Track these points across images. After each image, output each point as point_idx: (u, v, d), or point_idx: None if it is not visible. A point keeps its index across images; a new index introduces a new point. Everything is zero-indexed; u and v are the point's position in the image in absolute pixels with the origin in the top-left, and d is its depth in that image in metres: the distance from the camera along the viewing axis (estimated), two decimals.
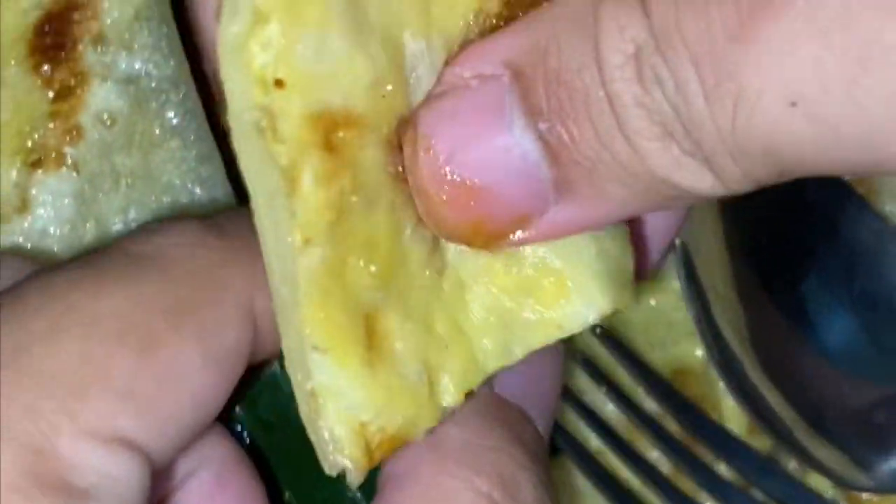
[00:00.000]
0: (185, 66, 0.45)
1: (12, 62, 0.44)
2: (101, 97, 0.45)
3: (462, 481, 0.35)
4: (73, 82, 0.44)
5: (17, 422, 0.33)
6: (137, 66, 0.44)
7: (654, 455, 0.51)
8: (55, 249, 0.44)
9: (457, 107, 0.33)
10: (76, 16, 0.44)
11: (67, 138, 0.44)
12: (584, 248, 0.35)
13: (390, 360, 0.35)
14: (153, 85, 0.45)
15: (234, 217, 0.38)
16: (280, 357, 0.37)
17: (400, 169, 0.34)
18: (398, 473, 0.37)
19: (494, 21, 0.34)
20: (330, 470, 0.35)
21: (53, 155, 0.44)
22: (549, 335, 0.36)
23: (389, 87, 0.34)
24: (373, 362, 0.34)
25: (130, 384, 0.34)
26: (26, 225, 0.44)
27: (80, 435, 0.34)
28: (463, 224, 0.34)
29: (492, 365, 0.36)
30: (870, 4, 0.28)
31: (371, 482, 0.37)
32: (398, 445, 0.35)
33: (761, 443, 0.51)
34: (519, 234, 0.33)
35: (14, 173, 0.44)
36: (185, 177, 0.45)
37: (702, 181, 0.31)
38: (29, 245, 0.44)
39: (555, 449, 0.51)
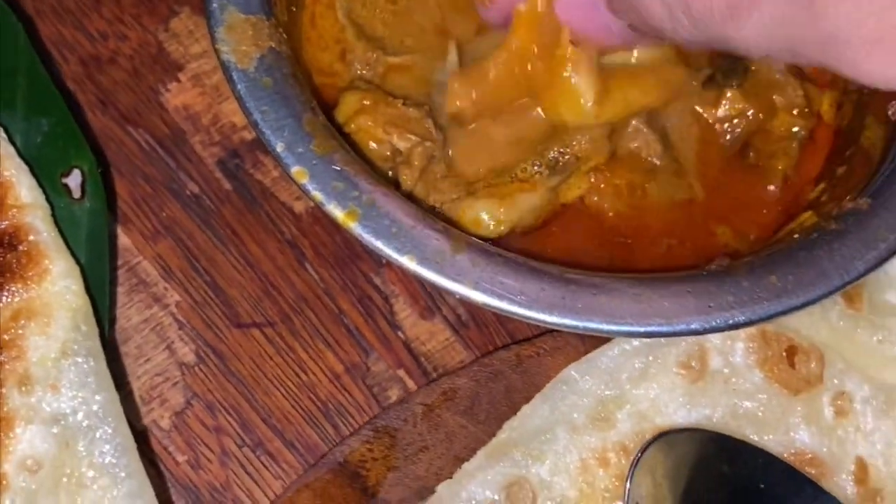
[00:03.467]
0: (115, 398, 0.44)
1: None
2: (25, 442, 0.43)
3: None
4: None
5: None
6: (64, 404, 0.43)
7: None
8: None
9: None
10: (1, 357, 0.43)
11: None
12: None
13: None
14: (81, 423, 0.43)
15: None
16: None
17: None
18: None
19: None
20: None
21: None
22: None
23: None
24: None
25: None
26: None
27: None
28: None
29: None
30: None
31: None
32: None
33: None
34: None
35: None
36: None
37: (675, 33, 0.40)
38: None
39: None
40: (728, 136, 0.52)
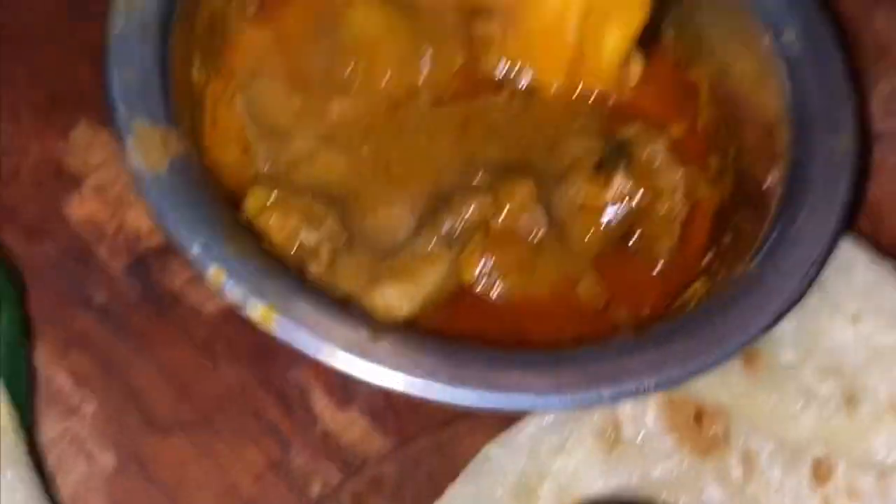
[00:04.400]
0: None
1: None
2: None
3: None
4: None
5: None
6: None
7: None
8: None
9: None
10: None
11: None
12: None
13: None
14: None
15: None
16: None
17: None
18: None
19: None
20: None
21: None
22: None
23: None
24: None
25: None
26: None
27: None
28: None
29: None
30: None
31: None
32: None
33: None
34: None
35: None
36: None
37: None
38: None
39: None
40: (614, 219, 0.54)
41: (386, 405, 0.55)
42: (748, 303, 0.49)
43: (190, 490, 0.53)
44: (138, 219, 0.57)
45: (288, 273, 0.47)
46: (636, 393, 0.46)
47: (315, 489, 0.53)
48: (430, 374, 0.45)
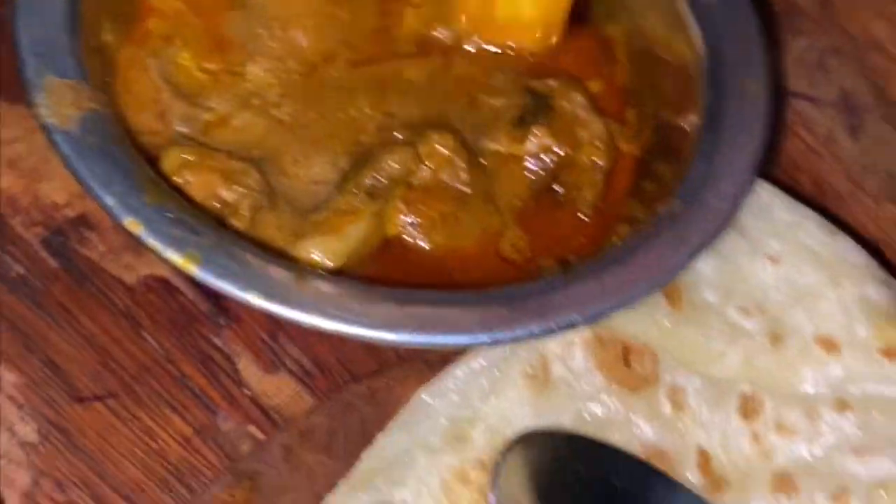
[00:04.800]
0: None
1: None
2: None
3: None
4: None
5: None
6: None
7: None
8: None
9: None
10: None
11: None
12: None
13: None
14: None
15: None
16: None
17: None
18: None
19: None
20: None
21: None
22: None
23: None
24: None
25: None
26: None
27: None
28: None
29: None
30: None
31: None
32: None
33: None
34: None
35: None
36: None
37: None
38: None
39: None
40: (537, 171, 0.55)
41: (314, 365, 0.54)
42: (669, 238, 0.49)
43: (115, 458, 0.52)
44: (54, 192, 0.56)
45: (209, 223, 0.46)
46: (564, 327, 0.46)
47: (244, 450, 0.53)
48: (360, 314, 0.45)
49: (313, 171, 0.53)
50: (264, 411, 0.53)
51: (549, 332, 0.46)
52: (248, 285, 0.45)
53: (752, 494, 0.50)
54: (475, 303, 0.46)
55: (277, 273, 0.45)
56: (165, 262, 0.45)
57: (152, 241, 0.45)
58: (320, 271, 0.47)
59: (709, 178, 0.51)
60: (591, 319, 0.47)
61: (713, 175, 0.51)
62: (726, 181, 0.51)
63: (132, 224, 0.45)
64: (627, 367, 0.50)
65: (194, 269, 0.45)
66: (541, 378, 0.49)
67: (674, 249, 0.49)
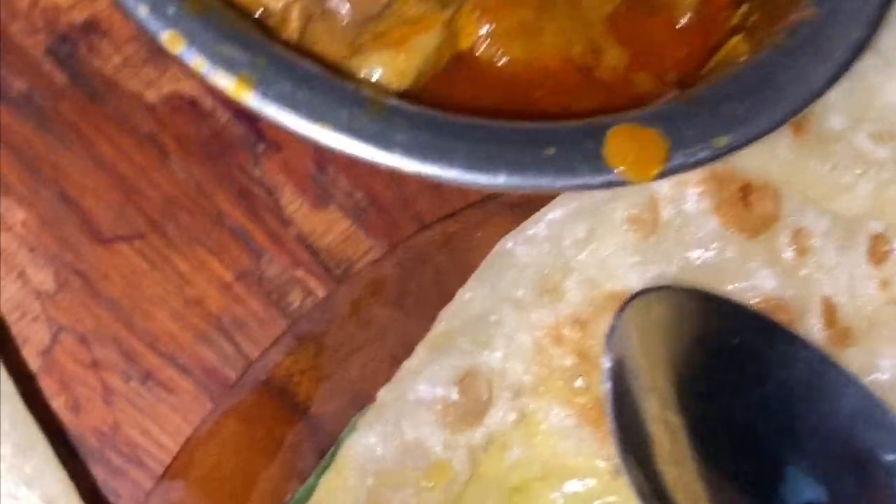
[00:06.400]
0: None
1: None
2: None
3: None
4: None
5: None
6: None
7: None
8: None
9: None
10: None
11: None
12: None
13: None
14: None
15: None
16: None
17: None
18: None
19: None
20: None
21: None
22: None
23: None
24: None
25: None
26: None
27: None
28: None
29: None
30: None
31: None
32: None
33: None
34: None
35: None
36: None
37: None
38: None
39: None
40: None
41: (369, 202, 0.47)
42: (808, 53, 0.41)
43: (146, 308, 0.45)
44: None
45: (263, 37, 0.38)
46: (692, 165, 0.39)
47: (293, 300, 0.46)
48: (444, 154, 0.37)
49: None
50: (314, 252, 0.46)
51: (678, 171, 0.39)
52: (314, 117, 0.36)
53: (881, 347, 0.44)
54: (577, 137, 0.39)
55: (349, 103, 0.37)
56: (211, 85, 0.37)
57: (197, 61, 0.36)
58: (396, 99, 0.39)
59: None
60: (727, 153, 0.39)
61: None
62: None
63: (172, 40, 0.36)
64: (746, 207, 0.43)
65: (249, 96, 0.36)
66: (648, 222, 0.42)
67: (817, 67, 0.41)
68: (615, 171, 0.39)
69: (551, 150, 0.38)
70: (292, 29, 0.43)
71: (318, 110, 0.37)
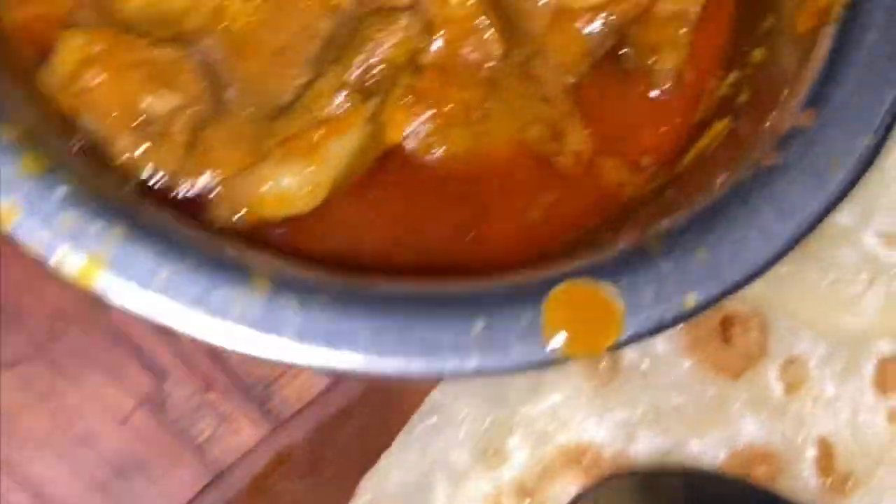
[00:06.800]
0: None
1: None
2: None
3: None
4: None
5: None
6: None
7: None
8: None
9: None
10: None
11: None
12: None
13: None
14: None
15: None
16: None
17: None
18: None
19: None
20: None
21: None
22: None
23: None
24: None
25: None
26: None
27: None
28: None
29: None
30: None
31: None
32: None
33: None
34: None
35: None
36: None
37: None
38: None
39: None
40: (597, 28, 0.38)
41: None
42: (801, 173, 0.34)
43: (28, 447, 0.38)
44: None
45: (125, 191, 0.31)
46: (651, 332, 0.32)
47: (204, 430, 0.39)
48: (348, 339, 0.30)
49: (276, 57, 0.36)
50: (227, 372, 0.40)
51: (632, 341, 0.32)
52: (182, 306, 0.30)
53: (888, 492, 0.37)
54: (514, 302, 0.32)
55: (226, 280, 0.30)
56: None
57: (31, 243, 0.29)
58: (289, 269, 0.32)
59: (859, 65, 0.35)
60: (697, 313, 0.32)
61: (865, 62, 0.35)
62: (882, 72, 0.34)
63: (8, 211, 0.29)
64: (727, 342, 0.36)
65: (97, 281, 0.29)
66: (607, 367, 0.35)
67: (812, 192, 0.33)
68: (556, 348, 0.32)
69: (478, 326, 0.31)
70: (177, 142, 0.35)
71: (188, 294, 0.30)
